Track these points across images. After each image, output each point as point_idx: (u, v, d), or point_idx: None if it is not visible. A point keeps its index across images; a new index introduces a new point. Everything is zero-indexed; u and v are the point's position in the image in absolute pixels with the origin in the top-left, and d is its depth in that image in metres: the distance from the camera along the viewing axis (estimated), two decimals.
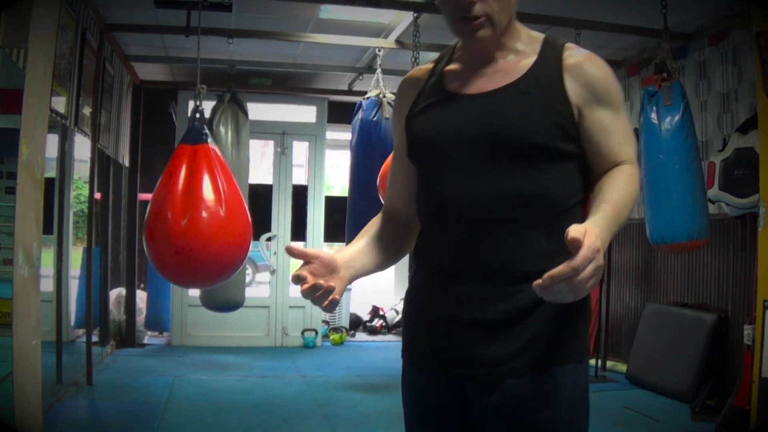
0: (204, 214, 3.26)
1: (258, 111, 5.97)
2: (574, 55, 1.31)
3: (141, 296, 6.37)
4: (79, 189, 5.20)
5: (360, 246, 1.38)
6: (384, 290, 9.00)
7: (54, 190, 4.35)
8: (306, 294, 1.20)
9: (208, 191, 3.30)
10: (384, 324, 7.55)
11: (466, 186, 1.28)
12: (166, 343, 6.47)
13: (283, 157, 6.76)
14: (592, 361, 5.44)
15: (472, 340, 1.29)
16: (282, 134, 6.75)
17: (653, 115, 3.94)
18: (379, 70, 4.75)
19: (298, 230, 6.80)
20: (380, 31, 5.22)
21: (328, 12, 4.84)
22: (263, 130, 6.48)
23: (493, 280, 1.27)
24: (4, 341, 2.70)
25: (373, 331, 7.49)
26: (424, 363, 1.37)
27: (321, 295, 1.20)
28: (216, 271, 3.39)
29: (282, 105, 6.87)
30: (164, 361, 5.67)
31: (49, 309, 4.13)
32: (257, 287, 10.06)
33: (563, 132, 1.27)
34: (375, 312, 7.73)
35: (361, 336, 7.38)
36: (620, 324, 5.61)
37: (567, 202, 1.29)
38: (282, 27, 5.08)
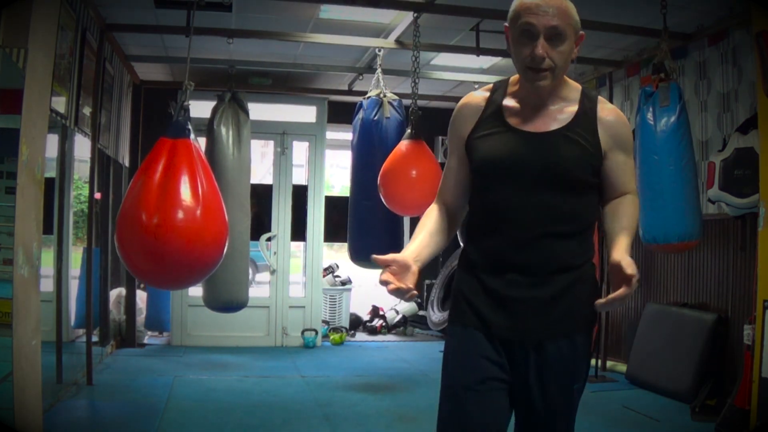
0: (178, 212, 2.98)
1: (258, 111, 5.97)
2: (606, 109, 1.77)
3: (141, 296, 6.37)
4: (79, 189, 5.19)
5: (423, 238, 1.78)
6: (384, 290, 8.97)
7: (54, 190, 4.34)
8: (392, 293, 1.65)
9: (184, 189, 3.01)
10: (384, 324, 7.55)
11: (523, 203, 1.70)
12: (166, 343, 6.47)
13: (283, 157, 6.77)
14: (592, 361, 5.44)
15: (521, 313, 1.73)
16: (282, 134, 6.75)
17: (649, 116, 3.93)
18: (379, 70, 4.75)
19: (298, 230, 6.80)
20: (380, 31, 5.22)
21: (328, 12, 4.83)
22: (263, 130, 6.49)
23: (538, 272, 1.72)
24: (4, 341, 2.70)
25: (373, 331, 7.49)
26: (480, 326, 1.76)
27: (404, 293, 1.64)
28: (189, 272, 3.13)
29: (282, 105, 6.87)
30: (164, 361, 5.67)
31: (49, 309, 4.13)
32: (257, 287, 10.05)
33: (594, 169, 1.74)
34: (375, 312, 7.72)
35: (361, 336, 7.38)
36: (620, 324, 5.61)
37: (591, 220, 1.79)
38: (282, 27, 5.08)
